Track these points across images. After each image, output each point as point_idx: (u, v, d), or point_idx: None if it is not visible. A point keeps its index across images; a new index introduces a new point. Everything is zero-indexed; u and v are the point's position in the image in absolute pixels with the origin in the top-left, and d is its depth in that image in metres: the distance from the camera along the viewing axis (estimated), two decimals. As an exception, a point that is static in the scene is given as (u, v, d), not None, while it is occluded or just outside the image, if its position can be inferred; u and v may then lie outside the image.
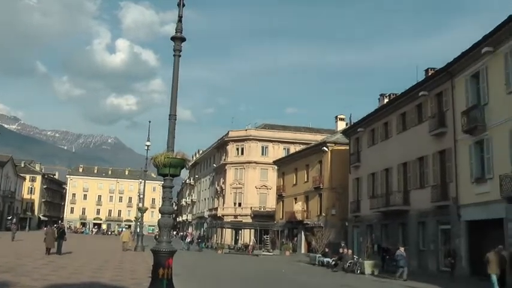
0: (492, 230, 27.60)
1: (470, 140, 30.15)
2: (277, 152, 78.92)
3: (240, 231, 73.98)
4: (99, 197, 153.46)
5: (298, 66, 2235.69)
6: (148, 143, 45.55)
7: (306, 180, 59.58)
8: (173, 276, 11.42)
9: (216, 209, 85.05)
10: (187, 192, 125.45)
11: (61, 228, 38.08)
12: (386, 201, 40.52)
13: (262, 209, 77.19)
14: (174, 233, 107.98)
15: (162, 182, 12.79)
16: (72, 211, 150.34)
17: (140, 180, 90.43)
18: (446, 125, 33.17)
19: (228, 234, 73.78)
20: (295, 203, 60.80)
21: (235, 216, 78.72)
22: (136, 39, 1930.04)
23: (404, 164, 39.32)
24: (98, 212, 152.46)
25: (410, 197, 37.96)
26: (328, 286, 25.73)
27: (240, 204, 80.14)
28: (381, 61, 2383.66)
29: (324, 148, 55.06)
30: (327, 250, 41.97)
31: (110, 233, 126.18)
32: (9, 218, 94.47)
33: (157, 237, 28.93)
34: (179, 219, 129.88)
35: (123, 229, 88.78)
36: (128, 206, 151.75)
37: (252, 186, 79.33)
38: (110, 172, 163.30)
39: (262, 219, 70.60)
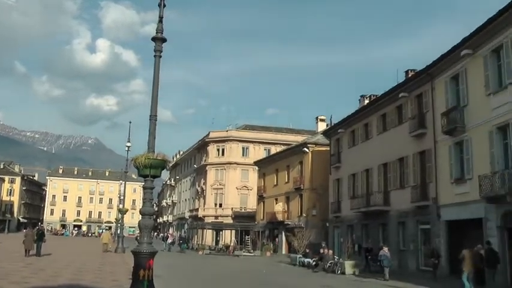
0: (471, 229, 27.89)
1: (450, 141, 30.40)
2: (258, 152, 78.99)
3: (220, 232, 73.86)
4: (79, 198, 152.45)
5: (279, 66, 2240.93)
6: (128, 144, 45.29)
7: (286, 181, 59.64)
8: (154, 277, 11.37)
9: (197, 209, 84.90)
10: (168, 193, 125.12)
11: (40, 230, 37.79)
12: (367, 201, 40.71)
13: (243, 210, 77.23)
14: (155, 234, 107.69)
15: (143, 183, 12.75)
16: (52, 213, 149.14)
17: (121, 181, 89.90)
18: (426, 126, 33.41)
19: (208, 235, 73.70)
20: (276, 203, 60.82)
21: (216, 217, 78.60)
22: (117, 39, 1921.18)
23: (384, 165, 39.54)
24: (78, 213, 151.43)
25: (391, 198, 38.18)
26: (309, 286, 25.78)
27: (220, 205, 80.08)
28: (362, 63, 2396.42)
29: (305, 149, 55.15)
30: (307, 251, 42.08)
31: (90, 234, 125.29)
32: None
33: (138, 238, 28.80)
34: (160, 220, 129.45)
35: (104, 231, 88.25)
36: (108, 208, 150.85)
37: (233, 187, 79.31)
38: (90, 173, 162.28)
39: (243, 220, 70.59)
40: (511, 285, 24.20)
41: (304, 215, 53.72)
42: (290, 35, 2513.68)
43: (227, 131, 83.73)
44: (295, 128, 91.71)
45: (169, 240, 61.88)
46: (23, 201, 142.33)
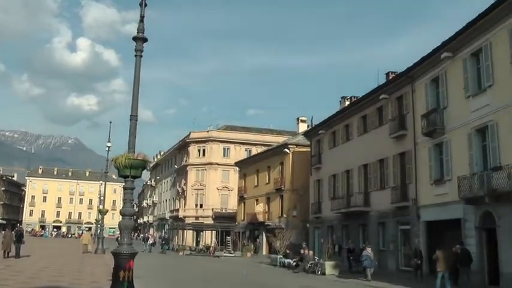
0: (450, 230, 28.24)
1: (429, 143, 30.68)
2: (239, 153, 79.02)
3: (201, 233, 73.78)
4: (59, 199, 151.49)
5: (260, 67, 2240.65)
6: (109, 144, 45.03)
7: (267, 181, 59.70)
8: (134, 278, 11.33)
9: (178, 210, 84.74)
10: (149, 193, 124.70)
11: (19, 231, 37.43)
12: (347, 202, 40.91)
13: (223, 211, 77.25)
14: (136, 235, 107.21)
15: (123, 184, 12.70)
16: (31, 214, 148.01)
17: (101, 181, 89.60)
18: (407, 127, 33.68)
19: (189, 235, 73.59)
20: (257, 204, 60.85)
21: (197, 217, 78.51)
22: (98, 38, 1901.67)
23: (365, 166, 39.76)
24: (58, 214, 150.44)
25: (371, 198, 38.42)
26: (289, 287, 25.82)
27: (201, 206, 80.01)
28: (343, 64, 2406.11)
29: (286, 150, 55.26)
30: (288, 251, 42.11)
31: (70, 235, 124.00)
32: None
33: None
34: (140, 221, 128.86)
35: (84, 232, 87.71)
36: (88, 208, 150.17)
37: (214, 188, 79.28)
38: (70, 173, 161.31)
39: (223, 221, 70.58)
40: (489, 285, 24.51)
41: (284, 215, 53.82)
42: (271, 36, 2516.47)
43: (208, 131, 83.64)
44: (276, 128, 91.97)
45: (150, 241, 61.62)
46: (1, 202, 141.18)
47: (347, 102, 47.24)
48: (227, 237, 64.49)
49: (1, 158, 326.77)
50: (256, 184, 63.10)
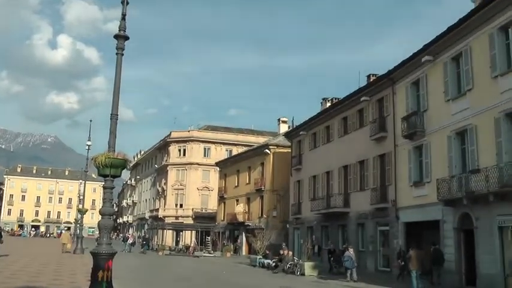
0: (429, 231, 28.54)
1: (409, 145, 30.91)
2: (220, 153, 79.03)
3: (181, 233, 73.56)
4: (38, 198, 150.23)
5: (242, 67, 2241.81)
6: (89, 143, 44.70)
7: (247, 182, 59.77)
8: (113, 278, 11.28)
9: (157, 210, 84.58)
10: (128, 193, 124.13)
11: (-3, 230, 37.09)
12: (327, 203, 41.04)
13: (203, 211, 77.25)
14: (115, 234, 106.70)
15: (103, 183, 12.64)
16: (9, 213, 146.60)
17: (80, 180, 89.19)
18: (387, 129, 33.91)
19: (169, 235, 73.34)
20: (237, 204, 60.92)
21: (177, 217, 78.49)
22: (79, 35, 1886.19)
23: (345, 167, 39.95)
24: (37, 213, 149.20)
25: (351, 199, 38.61)
26: (268, 287, 25.85)
27: (181, 206, 79.98)
28: (324, 66, 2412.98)
29: (266, 150, 55.38)
30: (267, 252, 42.12)
31: (48, 235, 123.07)
32: None
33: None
34: (120, 220, 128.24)
35: (63, 231, 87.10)
36: (67, 208, 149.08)
37: (194, 188, 79.24)
38: (49, 172, 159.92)
39: (203, 221, 70.53)
40: (466, 285, 24.78)
41: (264, 216, 53.93)
42: (253, 37, 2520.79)
43: (189, 131, 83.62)
44: (257, 129, 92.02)
45: (130, 241, 61.37)
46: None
47: (328, 104, 47.37)
48: (207, 237, 64.42)
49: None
50: (236, 184, 63.13)
